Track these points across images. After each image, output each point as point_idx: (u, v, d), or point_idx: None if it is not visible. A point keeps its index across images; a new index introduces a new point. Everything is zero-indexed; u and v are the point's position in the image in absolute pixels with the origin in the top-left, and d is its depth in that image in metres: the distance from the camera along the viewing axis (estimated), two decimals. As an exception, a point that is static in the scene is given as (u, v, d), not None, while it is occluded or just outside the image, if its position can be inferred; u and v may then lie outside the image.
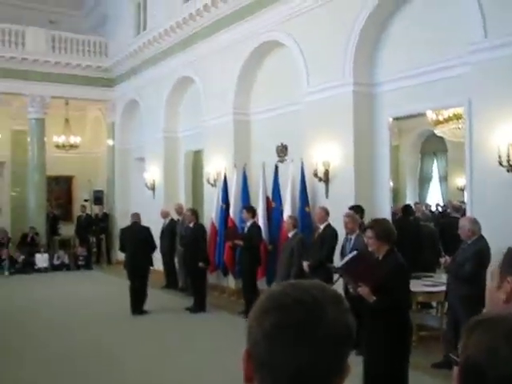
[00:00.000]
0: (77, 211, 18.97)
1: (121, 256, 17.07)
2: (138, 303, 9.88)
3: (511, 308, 1.70)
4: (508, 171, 6.62)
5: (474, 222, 6.11)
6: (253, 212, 9.93)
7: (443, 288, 6.68)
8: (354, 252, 4.78)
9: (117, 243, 17.32)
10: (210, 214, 11.91)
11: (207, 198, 12.60)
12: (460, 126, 10.56)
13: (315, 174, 9.30)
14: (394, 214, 9.81)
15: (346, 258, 4.77)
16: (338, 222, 7.84)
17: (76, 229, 18.06)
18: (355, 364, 4.97)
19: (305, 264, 7.94)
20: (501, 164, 6.65)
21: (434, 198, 16.78)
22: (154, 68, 15.02)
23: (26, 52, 16.26)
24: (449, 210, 13.43)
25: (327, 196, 9.24)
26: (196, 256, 10.02)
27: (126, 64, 16.50)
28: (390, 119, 8.90)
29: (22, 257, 15.89)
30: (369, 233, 4.67)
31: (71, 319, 9.67)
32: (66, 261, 16.58)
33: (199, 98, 13.06)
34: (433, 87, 7.97)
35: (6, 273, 15.35)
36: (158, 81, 14.85)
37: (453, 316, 6.18)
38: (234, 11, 11.48)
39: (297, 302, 1.02)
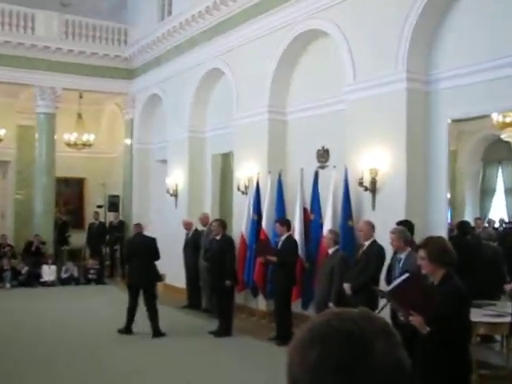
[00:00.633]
0: (89, 218, 19.31)
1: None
2: (153, 324, 10.08)
3: None
4: None
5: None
6: (288, 225, 10.00)
7: (508, 319, 6.61)
8: (406, 274, 4.79)
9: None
10: (239, 226, 12.00)
11: (237, 207, 12.70)
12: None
13: (360, 183, 9.31)
14: (450, 230, 9.75)
15: (396, 281, 4.78)
16: (385, 238, 7.83)
17: (87, 238, 18.35)
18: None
19: (346, 286, 7.96)
20: None
21: (499, 213, 16.56)
22: (179, 59, 15.23)
23: (35, 38, 16.54)
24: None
25: (374, 208, 9.24)
26: (222, 273, 10.13)
27: (147, 54, 16.77)
28: (449, 121, 8.87)
29: (26, 268, 16.18)
30: (422, 253, 4.66)
31: (79, 339, 9.84)
32: (76, 274, 16.88)
33: (230, 94, 13.19)
34: (499, 85, 7.91)
35: (8, 285, 15.64)
36: (183, 73, 15.04)
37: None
38: (270, -5, 11.61)
39: (342, 335, 1.05)
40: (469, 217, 14.50)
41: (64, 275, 16.70)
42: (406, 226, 8.12)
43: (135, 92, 17.89)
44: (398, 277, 5.48)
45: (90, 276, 16.88)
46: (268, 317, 11.00)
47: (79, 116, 18.69)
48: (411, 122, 8.82)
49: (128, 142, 18.32)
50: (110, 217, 18.57)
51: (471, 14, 8.43)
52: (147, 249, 10.37)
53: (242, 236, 11.70)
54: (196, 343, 9.79)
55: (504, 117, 11.14)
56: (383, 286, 7.25)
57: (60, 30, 16.94)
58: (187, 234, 13.13)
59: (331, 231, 9.00)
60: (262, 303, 11.48)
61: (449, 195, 9.29)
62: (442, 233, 8.09)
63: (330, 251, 8.77)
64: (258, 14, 12.01)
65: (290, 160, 11.66)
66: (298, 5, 10.89)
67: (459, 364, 4.43)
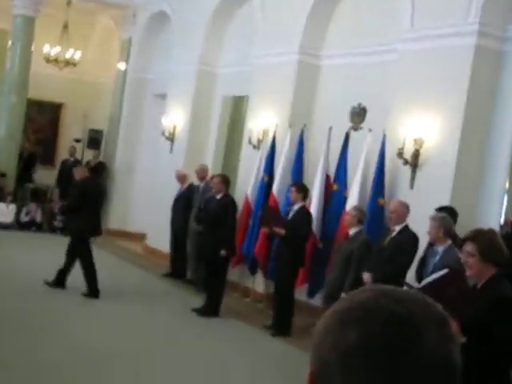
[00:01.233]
0: (62, 153, 19.37)
1: (114, 224, 17.53)
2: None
3: None
4: None
5: None
6: (305, 193, 9.98)
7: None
8: (445, 270, 4.78)
9: (112, 204, 17.77)
10: (244, 187, 12.05)
11: (244, 164, 12.72)
12: None
13: (400, 154, 9.26)
14: (501, 227, 9.73)
15: (432, 276, 4.78)
16: (420, 225, 7.83)
17: (58, 177, 18.38)
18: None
19: (366, 276, 7.97)
20: None
21: None
22: (195, -29, 15.07)
23: None
24: None
25: (412, 186, 9.21)
26: (217, 239, 10.16)
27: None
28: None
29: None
30: (469, 247, 4.60)
31: (30, 298, 9.93)
32: (39, 219, 16.99)
33: (253, 25, 13.09)
34: None
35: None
36: (199, -11, 14.90)
37: None
38: None
39: (389, 316, 1.05)
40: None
41: (24, 218, 16.80)
42: (449, 214, 8.10)
43: (137, 5, 17.71)
44: (433, 272, 5.48)
45: (55, 223, 16.91)
46: (266, 301, 11.08)
47: (65, 27, 18.36)
48: (475, 88, 8.71)
49: (122, 66, 18.23)
50: (89, 155, 18.57)
51: None
52: (98, 196, 10.83)
53: (247, 199, 11.72)
54: (174, 319, 9.89)
55: None
56: (412, 281, 7.26)
57: None
58: (180, 189, 13.14)
59: (356, 208, 9.00)
60: (259, 283, 11.55)
61: (508, 184, 9.23)
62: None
63: (351, 232, 8.78)
64: None
65: (318, 115, 11.60)
66: None
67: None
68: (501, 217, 8.94)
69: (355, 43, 11.05)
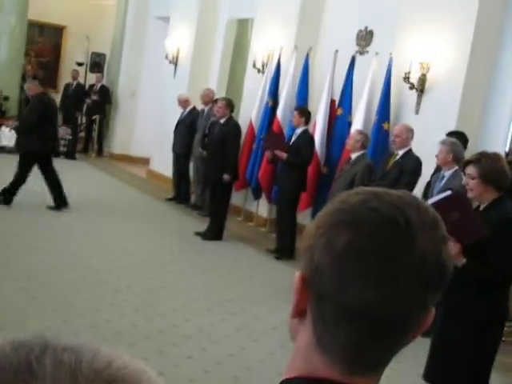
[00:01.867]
0: (65, 77, 19.22)
1: (118, 148, 17.55)
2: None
3: None
4: None
5: None
6: (307, 117, 9.94)
7: None
8: (448, 192, 4.76)
9: (114, 128, 17.76)
10: (248, 111, 11.99)
11: (248, 88, 12.61)
12: None
13: (406, 78, 9.19)
14: (506, 155, 9.74)
15: (435, 197, 4.78)
16: (424, 150, 7.83)
17: (61, 101, 18.22)
18: (422, 352, 4.97)
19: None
20: None
21: None
22: None
23: None
24: None
25: (417, 111, 9.19)
26: (221, 164, 10.19)
27: None
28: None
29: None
30: (471, 170, 4.53)
31: (34, 219, 10.06)
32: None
33: None
34: None
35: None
36: None
37: None
38: None
39: (384, 221, 1.04)
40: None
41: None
42: (460, 139, 8.06)
43: None
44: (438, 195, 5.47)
45: (58, 147, 16.88)
46: (270, 226, 11.17)
47: None
48: (486, 10, 8.58)
49: (124, -13, 17.91)
50: (92, 79, 18.44)
51: None
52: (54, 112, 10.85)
53: (251, 123, 11.69)
54: (177, 243, 10.00)
55: None
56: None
57: None
58: (182, 114, 13.09)
59: (360, 132, 8.99)
60: (263, 208, 11.63)
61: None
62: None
63: (354, 156, 8.80)
64: None
65: (324, 38, 11.44)
66: None
67: (492, 310, 4.45)
68: (506, 144, 8.92)
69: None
